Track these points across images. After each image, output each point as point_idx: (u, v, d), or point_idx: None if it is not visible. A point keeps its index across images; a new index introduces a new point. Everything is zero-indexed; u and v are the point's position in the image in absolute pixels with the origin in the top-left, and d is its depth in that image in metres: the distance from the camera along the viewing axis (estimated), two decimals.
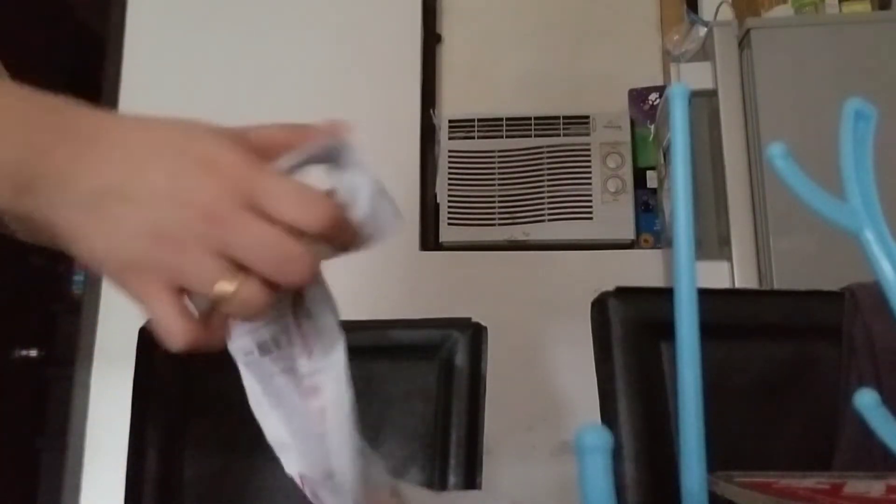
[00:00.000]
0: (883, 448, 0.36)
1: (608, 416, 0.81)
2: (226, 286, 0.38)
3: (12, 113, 0.40)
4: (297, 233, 0.38)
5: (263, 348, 0.44)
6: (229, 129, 0.42)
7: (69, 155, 0.39)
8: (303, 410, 0.44)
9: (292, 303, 0.43)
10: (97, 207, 0.38)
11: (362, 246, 0.43)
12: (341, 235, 0.41)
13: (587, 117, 2.01)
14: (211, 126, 0.41)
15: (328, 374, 0.43)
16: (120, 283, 0.40)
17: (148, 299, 0.39)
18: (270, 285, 0.39)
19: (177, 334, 0.40)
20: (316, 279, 0.42)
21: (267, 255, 0.38)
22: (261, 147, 0.41)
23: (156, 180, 0.38)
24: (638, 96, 2.00)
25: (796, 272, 1.40)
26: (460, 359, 0.96)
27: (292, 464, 0.49)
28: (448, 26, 2.17)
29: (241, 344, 0.45)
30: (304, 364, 0.42)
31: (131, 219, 0.38)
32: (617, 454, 0.78)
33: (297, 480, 0.50)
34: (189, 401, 0.97)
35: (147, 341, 0.97)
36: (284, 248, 0.38)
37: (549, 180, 1.98)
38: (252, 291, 0.38)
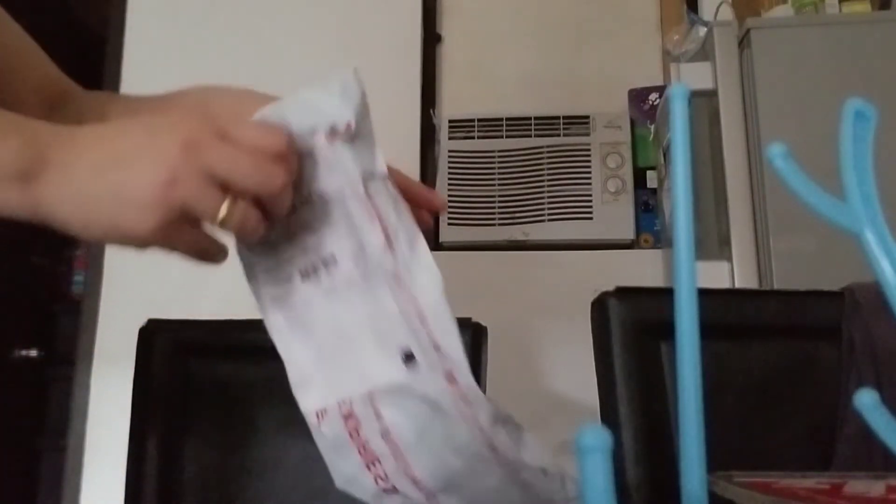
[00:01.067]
0: (883, 448, 0.36)
1: (608, 416, 0.81)
2: (224, 210, 0.45)
3: (9, 121, 0.47)
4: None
5: (306, 273, 0.50)
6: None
7: (67, 145, 0.46)
8: (385, 297, 0.48)
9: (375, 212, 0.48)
10: (99, 178, 0.45)
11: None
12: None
13: (587, 117, 2.01)
14: None
15: (417, 263, 0.48)
16: (141, 238, 0.46)
17: (176, 240, 0.47)
18: (260, 205, 0.47)
19: (215, 251, 0.49)
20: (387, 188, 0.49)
21: (244, 167, 0.45)
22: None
23: (138, 141, 0.46)
24: (638, 96, 2.00)
25: (796, 272, 1.40)
26: None
27: (312, 399, 0.50)
28: (448, 26, 2.17)
29: (276, 277, 0.50)
30: (388, 260, 0.47)
31: (131, 178, 0.45)
32: (617, 454, 0.78)
33: (314, 419, 0.50)
34: (189, 400, 0.97)
35: (147, 341, 0.97)
36: (256, 160, 0.46)
37: (549, 180, 1.98)
38: (244, 209, 0.46)
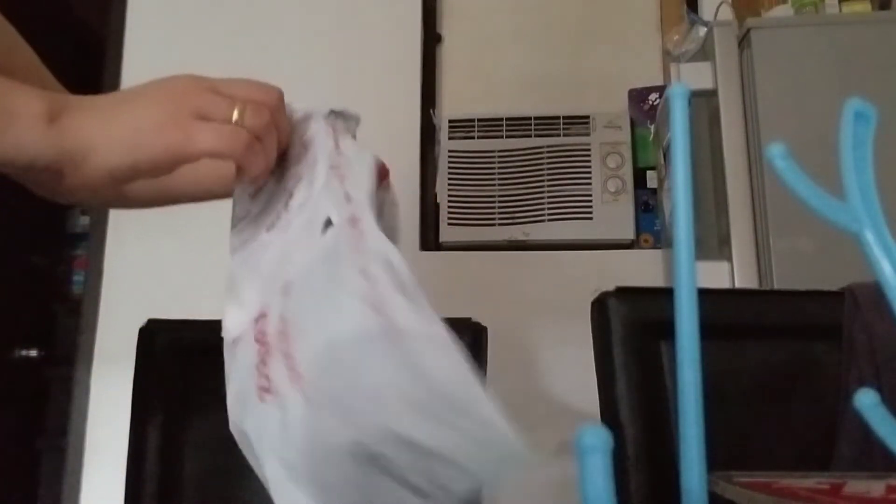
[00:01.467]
0: (883, 448, 0.36)
1: (608, 416, 0.81)
2: (237, 111, 0.50)
3: (31, 88, 0.51)
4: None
5: (270, 226, 0.51)
6: None
7: (82, 98, 0.51)
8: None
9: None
10: (119, 105, 0.51)
11: None
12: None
13: (587, 117, 2.01)
14: None
15: (360, 160, 0.51)
16: (166, 140, 0.49)
17: (198, 134, 0.49)
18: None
19: (237, 138, 0.50)
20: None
21: (243, 86, 0.53)
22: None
23: (148, 84, 0.54)
24: (638, 96, 2.00)
25: (796, 272, 1.40)
26: None
27: (234, 327, 0.48)
28: (448, 26, 2.17)
29: (250, 245, 0.51)
30: (334, 156, 0.50)
31: (147, 97, 0.51)
32: (617, 454, 0.78)
33: (231, 347, 0.48)
34: (189, 401, 0.97)
35: (147, 341, 0.97)
36: (253, 84, 0.54)
37: (549, 180, 1.98)
38: (255, 108, 0.51)
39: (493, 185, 1.99)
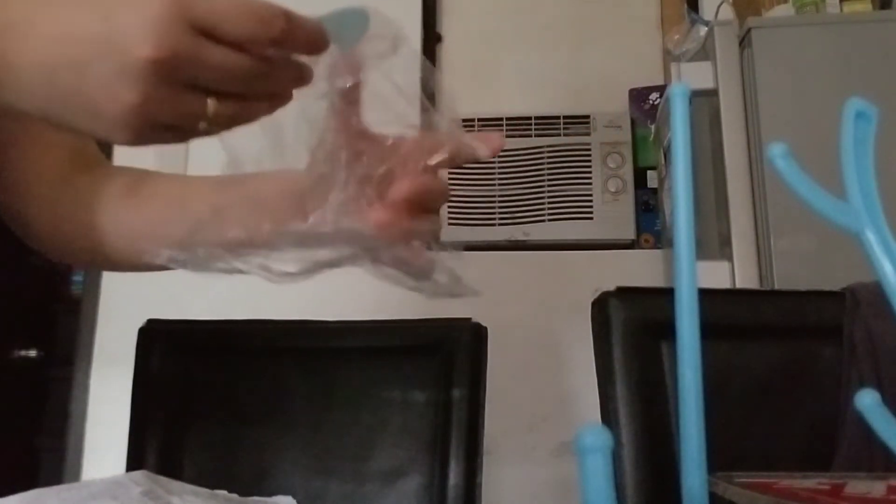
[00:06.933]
0: (884, 449, 0.36)
1: (609, 416, 0.81)
2: (206, 116, 0.39)
3: None
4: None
5: None
6: None
7: (26, 8, 0.39)
8: None
9: None
10: (62, 54, 0.38)
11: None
12: (298, 42, 0.41)
13: (587, 117, 2.01)
14: None
15: None
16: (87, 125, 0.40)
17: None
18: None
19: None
20: None
21: (232, 77, 0.39)
22: None
23: (91, 26, 0.38)
24: (638, 96, 2.00)
25: (797, 272, 1.40)
26: (460, 359, 0.95)
27: None
28: (448, 26, 2.17)
29: None
30: None
31: (94, 75, 0.38)
32: (617, 455, 0.78)
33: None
34: (189, 401, 0.97)
35: (146, 341, 0.97)
36: (246, 68, 0.39)
37: (549, 180, 1.97)
38: (230, 107, 0.40)
39: (494, 184, 1.99)
